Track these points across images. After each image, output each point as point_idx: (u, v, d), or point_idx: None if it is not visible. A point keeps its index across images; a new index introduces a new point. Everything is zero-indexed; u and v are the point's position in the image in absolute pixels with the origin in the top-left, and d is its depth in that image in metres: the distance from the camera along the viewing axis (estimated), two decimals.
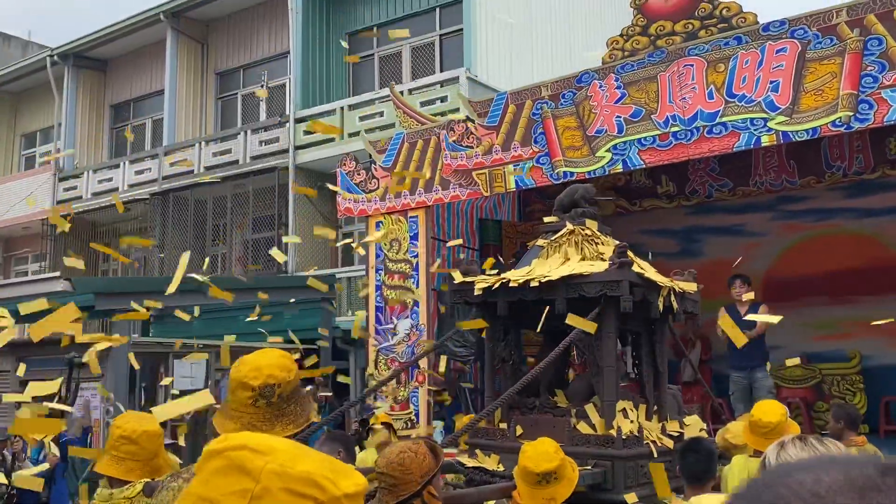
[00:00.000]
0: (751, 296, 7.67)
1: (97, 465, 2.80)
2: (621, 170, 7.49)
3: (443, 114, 11.39)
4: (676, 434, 4.33)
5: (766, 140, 6.63)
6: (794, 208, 9.78)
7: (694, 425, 4.66)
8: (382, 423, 6.18)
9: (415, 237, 8.68)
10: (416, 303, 8.52)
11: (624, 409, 4.08)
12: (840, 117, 6.26)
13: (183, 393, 8.25)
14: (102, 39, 16.44)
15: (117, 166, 15.71)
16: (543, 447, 3.24)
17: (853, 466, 0.57)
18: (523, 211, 10.98)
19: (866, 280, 9.06)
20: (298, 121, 13.07)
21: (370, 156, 9.13)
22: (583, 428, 4.02)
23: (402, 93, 12.16)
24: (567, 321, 3.88)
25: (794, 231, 9.86)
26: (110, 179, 15.64)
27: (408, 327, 8.45)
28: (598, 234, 4.52)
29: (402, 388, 8.33)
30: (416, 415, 8.19)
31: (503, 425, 4.35)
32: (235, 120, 15.38)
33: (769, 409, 3.83)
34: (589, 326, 3.86)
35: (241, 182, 13.45)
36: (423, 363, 8.27)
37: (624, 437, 3.90)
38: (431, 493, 2.69)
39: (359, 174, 9.10)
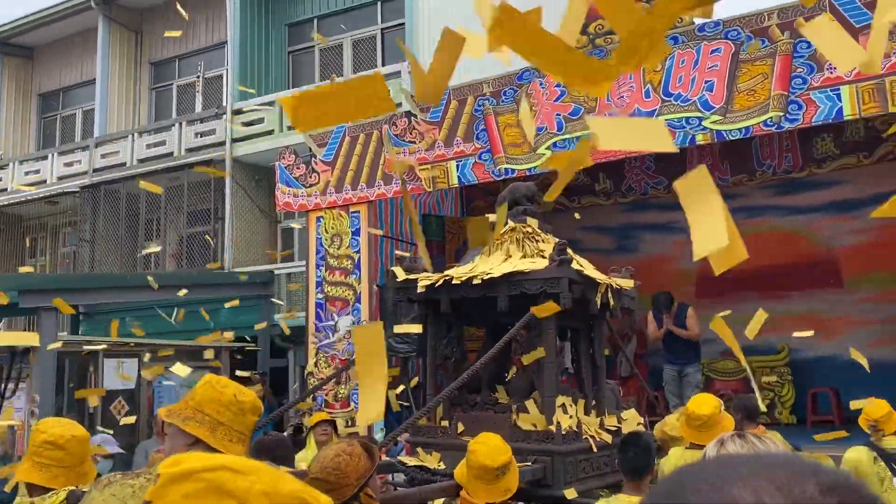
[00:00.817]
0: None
1: (17, 472, 2.65)
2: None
3: None
4: (615, 428, 4.39)
5: (700, 139, 6.79)
6: (727, 206, 10.05)
7: (631, 419, 4.74)
8: (323, 422, 6.09)
9: (356, 232, 8.60)
10: (357, 299, 8.45)
11: (563, 404, 4.12)
12: (771, 117, 6.45)
13: (112, 393, 8.02)
14: (29, 26, 15.78)
15: (45, 158, 15.11)
16: (493, 442, 3.24)
17: (794, 484, 0.55)
18: (466, 206, 11.00)
19: (795, 275, 9.41)
20: (236, 112, 12.80)
21: (310, 149, 9.00)
22: (523, 424, 4.04)
23: None
24: (533, 311, 3.83)
25: None
26: (38, 171, 15.03)
27: (349, 324, 8.37)
28: (539, 231, 4.54)
29: (343, 386, 8.26)
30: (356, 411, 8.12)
31: (445, 423, 4.34)
32: (170, 111, 14.97)
33: (703, 403, 3.92)
34: (554, 308, 3.84)
35: (176, 175, 13.09)
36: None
37: (563, 432, 3.94)
38: (368, 494, 2.65)
39: (298, 168, 8.97)
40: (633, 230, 10.81)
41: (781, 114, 6.38)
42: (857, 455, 4.56)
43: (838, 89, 6.17)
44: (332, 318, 8.48)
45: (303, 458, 5.80)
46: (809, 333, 6.32)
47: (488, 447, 3.16)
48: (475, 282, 4.17)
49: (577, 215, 8.56)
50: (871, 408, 4.74)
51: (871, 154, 8.73)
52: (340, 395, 8.30)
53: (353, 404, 8.19)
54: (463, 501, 3.13)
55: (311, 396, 8.24)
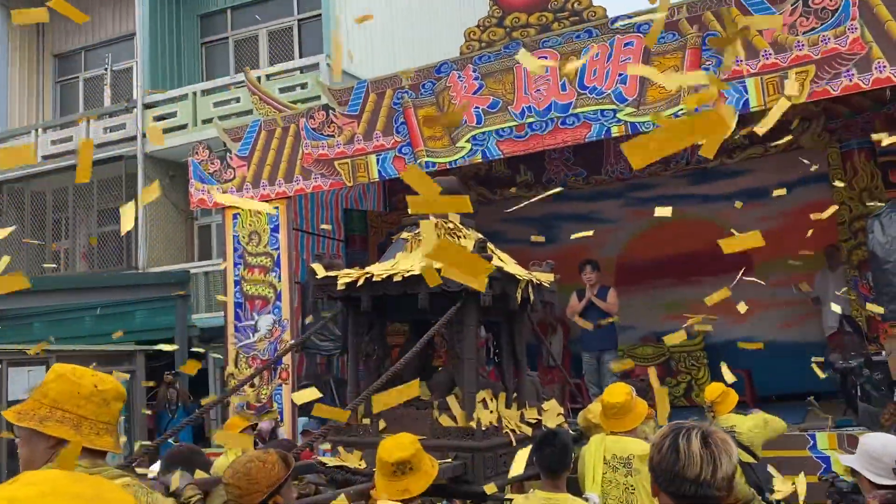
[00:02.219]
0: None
1: None
2: (480, 160, 7.57)
3: (303, 101, 11.11)
4: (535, 421, 4.43)
5: (615, 131, 6.91)
6: (643, 195, 10.30)
7: (552, 410, 4.79)
8: (246, 428, 5.93)
9: (275, 229, 8.41)
10: (278, 297, 8.27)
11: (484, 399, 4.12)
12: (682, 109, 6.61)
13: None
14: None
15: None
16: (399, 438, 3.26)
17: None
18: (389, 200, 10.91)
19: (707, 262, 9.70)
20: (147, 106, 12.34)
21: (224, 144, 8.75)
22: (444, 420, 4.02)
23: (259, 79, 11.75)
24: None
25: (642, 217, 10.38)
26: None
27: (270, 323, 8.19)
28: (461, 226, 4.52)
29: (265, 387, 8.08)
30: (281, 413, 7.96)
31: (366, 421, 4.28)
32: (77, 105, 14.31)
33: (615, 391, 4.02)
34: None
35: None
36: (287, 360, 8.07)
37: (483, 427, 3.94)
38: (278, 502, 2.62)
39: (213, 163, 8.71)
40: (555, 220, 10.95)
41: (692, 106, 6.54)
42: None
43: (744, 82, 6.37)
44: (252, 318, 8.28)
45: (222, 466, 5.63)
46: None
47: (391, 442, 3.18)
48: (396, 279, 4.11)
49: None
50: (708, 390, 5.23)
51: (778, 144, 9.06)
52: (263, 396, 8.12)
53: (276, 404, 8.02)
54: (371, 500, 3.12)
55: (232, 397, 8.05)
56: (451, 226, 4.40)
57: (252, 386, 7.84)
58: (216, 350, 10.09)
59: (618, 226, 10.59)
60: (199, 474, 3.74)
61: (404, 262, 4.28)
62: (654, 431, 5.71)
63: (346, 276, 4.28)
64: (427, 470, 3.29)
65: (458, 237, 4.36)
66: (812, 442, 6.22)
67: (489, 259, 4.00)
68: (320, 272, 4.40)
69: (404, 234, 4.58)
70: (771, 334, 9.23)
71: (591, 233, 6.93)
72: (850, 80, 6.04)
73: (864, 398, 6.67)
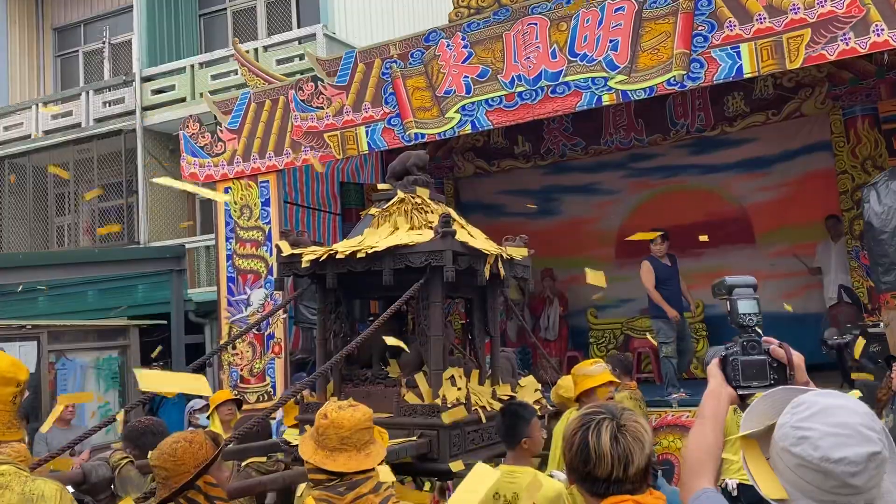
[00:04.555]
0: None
1: None
2: (470, 131, 7.43)
3: (301, 72, 10.97)
4: (507, 397, 4.35)
5: (606, 99, 6.72)
6: (644, 166, 10.11)
7: (529, 386, 4.71)
8: (229, 401, 5.92)
9: (266, 203, 8.35)
10: (270, 271, 8.23)
11: (452, 376, 4.05)
12: (674, 76, 6.41)
13: None
14: None
15: None
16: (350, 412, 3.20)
17: None
18: (386, 173, 10.80)
19: (709, 233, 9.52)
20: (145, 80, 12.26)
21: (215, 117, 8.66)
22: (410, 398, 3.96)
23: (257, 50, 11.63)
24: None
25: (644, 188, 10.21)
26: None
27: (262, 297, 8.17)
28: (429, 202, 4.41)
29: (258, 361, 8.08)
30: (273, 387, 7.97)
31: (334, 398, 4.23)
32: (77, 79, 14.26)
33: (586, 364, 3.96)
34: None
35: (86, 147, 12.52)
36: (280, 334, 8.05)
37: (450, 405, 3.87)
38: (209, 481, 2.58)
39: (203, 137, 8.63)
40: (555, 192, 10.80)
41: (684, 72, 6.35)
42: None
43: (738, 47, 6.15)
44: (245, 292, 8.26)
45: None
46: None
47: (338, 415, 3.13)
48: (360, 255, 4.03)
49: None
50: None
51: (780, 112, 8.83)
52: (256, 370, 8.13)
53: (269, 378, 8.03)
54: None
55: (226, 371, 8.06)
56: (418, 201, 4.30)
57: (254, 354, 7.86)
58: (215, 324, 10.11)
59: (619, 197, 10.42)
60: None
61: (370, 239, 4.19)
62: (631, 401, 5.65)
63: (310, 253, 4.21)
64: (374, 443, 3.25)
65: (426, 212, 4.26)
66: None
67: (453, 234, 3.91)
68: (286, 249, 4.33)
69: (372, 210, 4.48)
70: (772, 305, 9.08)
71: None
72: (847, 45, 5.80)
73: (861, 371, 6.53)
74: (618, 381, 4.71)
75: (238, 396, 6.47)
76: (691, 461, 1.69)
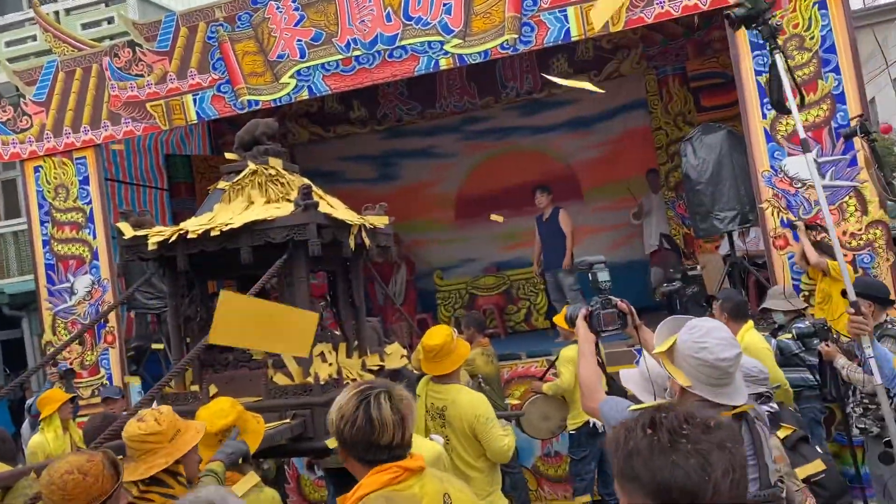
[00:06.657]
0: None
1: None
2: (307, 96, 7.21)
3: (111, 38, 10.10)
4: (377, 367, 4.33)
5: (444, 63, 6.76)
6: (478, 128, 10.33)
7: (395, 353, 4.70)
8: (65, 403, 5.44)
9: (85, 181, 7.66)
10: (95, 255, 7.60)
11: (322, 352, 3.95)
12: (507, 40, 6.55)
13: None
14: None
15: None
16: (218, 405, 3.12)
17: None
18: (216, 143, 10.27)
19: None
20: None
21: (17, 88, 7.78)
22: (280, 379, 3.83)
23: (57, 13, 10.55)
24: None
25: (479, 150, 10.45)
26: None
27: (88, 284, 7.53)
28: (284, 172, 4.23)
29: (90, 353, 7.48)
30: (109, 378, 7.42)
31: (195, 387, 4.00)
32: None
33: (435, 334, 3.98)
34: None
35: None
36: (113, 321, 7.48)
37: (322, 382, 3.78)
38: None
39: (5, 111, 7.74)
40: (394, 157, 10.78)
41: (516, 36, 6.50)
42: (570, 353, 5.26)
43: (565, 10, 6.38)
44: (68, 280, 7.57)
45: (39, 445, 5.17)
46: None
47: (210, 411, 3.04)
48: (214, 234, 3.79)
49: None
50: (557, 318, 5.51)
51: (601, 72, 9.32)
52: (88, 362, 7.52)
53: (102, 370, 7.46)
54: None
55: (53, 364, 7.38)
56: (272, 172, 4.11)
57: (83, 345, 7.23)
58: (33, 316, 9.23)
59: (456, 160, 10.59)
60: (3, 467, 3.35)
61: (223, 215, 3.96)
62: (483, 356, 5.84)
63: (157, 234, 3.90)
64: (255, 429, 3.16)
65: (282, 184, 4.09)
66: (639, 357, 6.59)
67: (315, 206, 3.78)
68: (128, 232, 3.99)
69: (221, 184, 4.23)
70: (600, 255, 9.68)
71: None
72: (662, 8, 6.20)
73: (686, 314, 7.14)
74: None
75: (74, 394, 5.96)
76: (588, 383, 2.52)
